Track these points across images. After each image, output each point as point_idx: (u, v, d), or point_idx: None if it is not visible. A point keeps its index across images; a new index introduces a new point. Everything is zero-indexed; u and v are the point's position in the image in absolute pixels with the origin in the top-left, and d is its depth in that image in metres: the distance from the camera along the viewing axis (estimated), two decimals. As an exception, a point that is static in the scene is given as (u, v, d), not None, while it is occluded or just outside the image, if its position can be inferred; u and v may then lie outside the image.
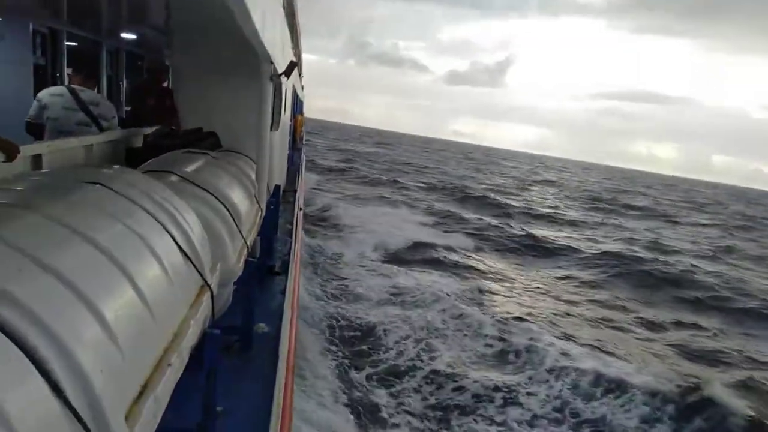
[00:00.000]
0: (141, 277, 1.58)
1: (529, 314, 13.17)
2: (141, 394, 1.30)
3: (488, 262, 19.22)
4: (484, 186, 46.65)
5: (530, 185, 59.29)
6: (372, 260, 17.10)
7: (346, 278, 14.86)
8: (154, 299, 1.59)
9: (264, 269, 4.58)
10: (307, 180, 21.44)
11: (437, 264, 17.54)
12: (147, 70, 7.89)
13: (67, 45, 7.22)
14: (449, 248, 19.50)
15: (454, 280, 15.68)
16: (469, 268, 17.70)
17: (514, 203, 35.99)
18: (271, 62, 4.42)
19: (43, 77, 6.68)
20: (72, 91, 4.68)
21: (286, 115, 8.99)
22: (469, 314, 12.22)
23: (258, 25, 3.20)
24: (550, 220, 31.81)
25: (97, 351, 1.18)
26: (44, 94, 4.69)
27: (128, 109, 8.26)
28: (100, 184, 2.00)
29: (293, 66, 4.80)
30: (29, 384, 0.96)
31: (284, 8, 7.80)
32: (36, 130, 4.57)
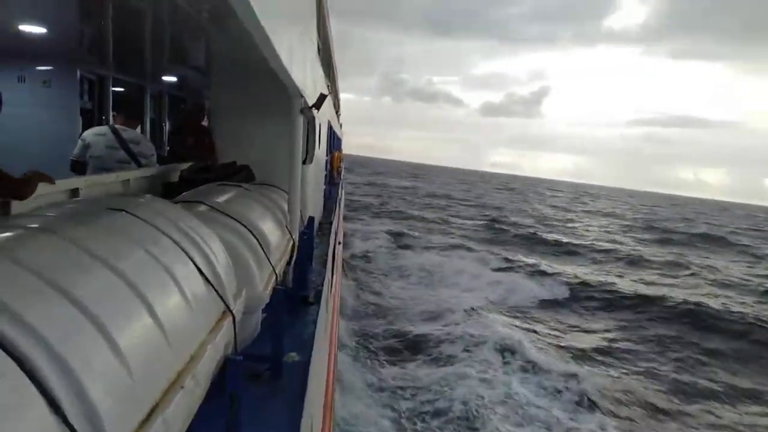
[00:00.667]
0: (157, 300, 1.59)
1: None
2: (149, 416, 1.28)
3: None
4: (535, 217, 46.07)
5: (582, 216, 57.48)
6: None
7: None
8: (170, 322, 1.59)
9: (297, 299, 4.57)
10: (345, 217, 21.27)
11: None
12: (186, 111, 8.22)
13: (114, 90, 7.60)
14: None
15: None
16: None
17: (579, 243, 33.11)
18: (302, 96, 4.52)
19: (90, 120, 7.03)
20: (114, 131, 4.88)
21: (321, 150, 9.15)
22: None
23: (285, 60, 3.28)
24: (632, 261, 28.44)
25: (102, 371, 1.17)
26: (88, 133, 4.91)
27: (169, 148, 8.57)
28: (125, 211, 2.05)
29: (323, 98, 4.88)
30: (27, 401, 0.95)
31: (319, 46, 8.03)
32: (79, 168, 4.77)
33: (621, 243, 37.04)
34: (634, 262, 28.99)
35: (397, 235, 28.54)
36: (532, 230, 36.61)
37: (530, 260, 25.43)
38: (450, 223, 38.43)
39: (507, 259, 25.01)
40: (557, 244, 32.09)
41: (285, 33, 3.27)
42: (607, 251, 31.29)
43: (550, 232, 37.32)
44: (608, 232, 44.72)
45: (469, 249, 27.22)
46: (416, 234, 30.21)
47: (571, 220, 52.00)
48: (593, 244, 34.11)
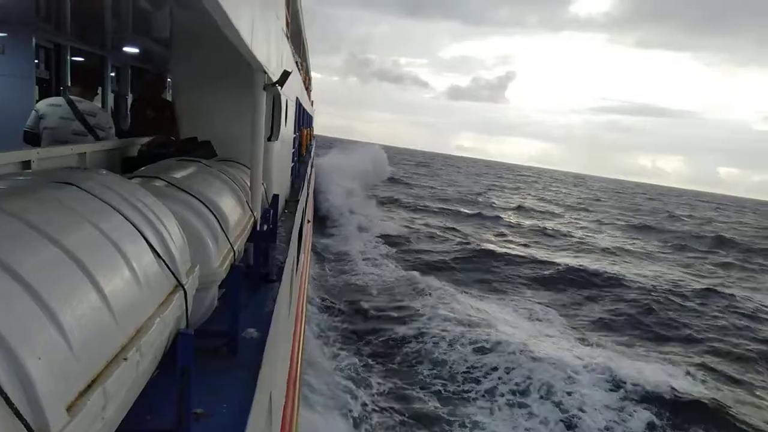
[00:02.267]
0: (102, 275, 1.59)
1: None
2: (89, 387, 1.30)
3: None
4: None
5: (577, 210, 58.51)
6: None
7: None
8: (116, 296, 1.60)
9: (258, 276, 4.58)
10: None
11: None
12: (146, 83, 8.05)
13: (73, 60, 7.36)
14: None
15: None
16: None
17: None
18: (265, 71, 4.47)
19: (47, 91, 6.81)
20: (70, 102, 4.75)
21: (288, 127, 9.06)
22: None
23: (246, 35, 3.25)
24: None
25: (41, 344, 1.19)
26: (42, 104, 4.77)
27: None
28: (73, 184, 2.03)
29: (286, 75, 4.84)
30: None
31: (287, 21, 7.90)
32: (33, 139, 4.64)
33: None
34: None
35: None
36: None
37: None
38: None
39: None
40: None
41: (245, 7, 3.22)
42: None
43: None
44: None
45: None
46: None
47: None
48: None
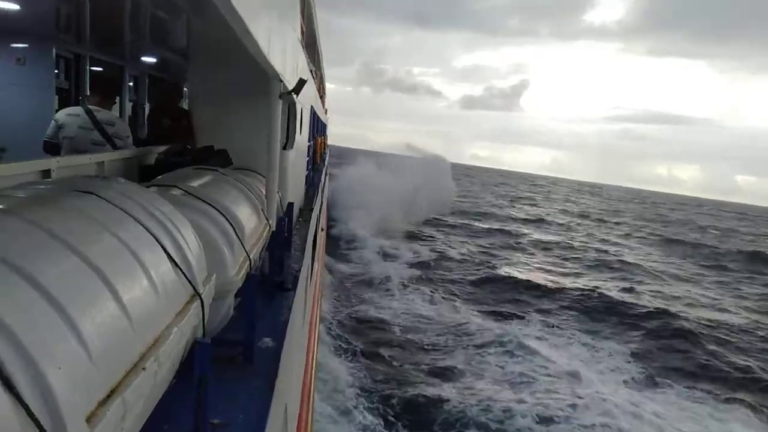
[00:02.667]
0: (121, 284, 1.60)
1: None
2: (108, 396, 1.30)
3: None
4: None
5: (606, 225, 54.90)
6: None
7: None
8: (134, 306, 1.60)
9: (273, 285, 4.58)
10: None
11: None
12: (163, 92, 8.15)
13: (92, 69, 7.46)
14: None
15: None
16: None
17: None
18: (281, 80, 4.49)
19: (66, 100, 6.91)
20: (88, 112, 4.81)
21: (303, 135, 9.10)
22: None
23: (263, 44, 3.27)
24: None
25: (61, 354, 1.19)
26: (61, 114, 4.84)
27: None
28: (94, 193, 2.04)
29: (302, 83, 4.86)
30: None
31: (302, 31, 7.95)
32: (53, 149, 4.71)
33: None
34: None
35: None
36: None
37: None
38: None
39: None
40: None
41: (263, 17, 3.25)
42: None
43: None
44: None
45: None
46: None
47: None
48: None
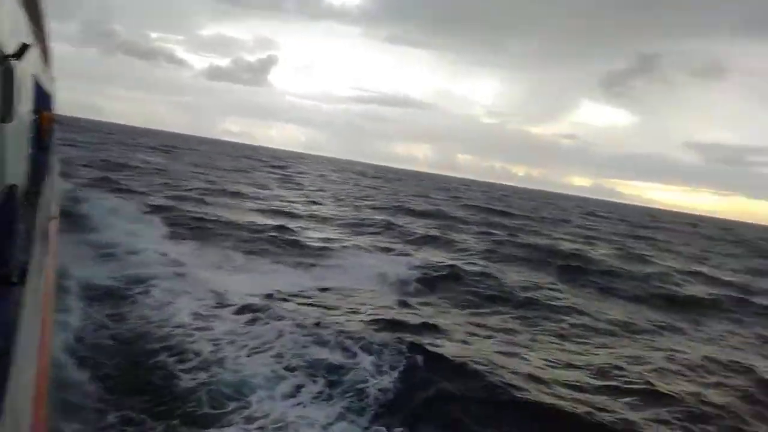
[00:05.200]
0: None
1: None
2: None
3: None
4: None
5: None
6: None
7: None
8: None
9: None
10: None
11: None
12: None
13: None
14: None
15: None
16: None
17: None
18: None
19: None
20: None
21: (25, 108, 7.83)
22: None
23: None
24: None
25: None
26: None
27: None
28: None
29: (25, 49, 4.23)
30: None
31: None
32: None
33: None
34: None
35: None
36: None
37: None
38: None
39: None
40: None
41: None
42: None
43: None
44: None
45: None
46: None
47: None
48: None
